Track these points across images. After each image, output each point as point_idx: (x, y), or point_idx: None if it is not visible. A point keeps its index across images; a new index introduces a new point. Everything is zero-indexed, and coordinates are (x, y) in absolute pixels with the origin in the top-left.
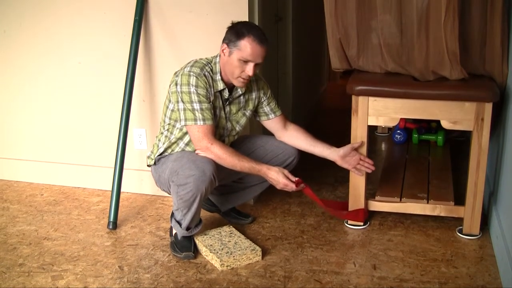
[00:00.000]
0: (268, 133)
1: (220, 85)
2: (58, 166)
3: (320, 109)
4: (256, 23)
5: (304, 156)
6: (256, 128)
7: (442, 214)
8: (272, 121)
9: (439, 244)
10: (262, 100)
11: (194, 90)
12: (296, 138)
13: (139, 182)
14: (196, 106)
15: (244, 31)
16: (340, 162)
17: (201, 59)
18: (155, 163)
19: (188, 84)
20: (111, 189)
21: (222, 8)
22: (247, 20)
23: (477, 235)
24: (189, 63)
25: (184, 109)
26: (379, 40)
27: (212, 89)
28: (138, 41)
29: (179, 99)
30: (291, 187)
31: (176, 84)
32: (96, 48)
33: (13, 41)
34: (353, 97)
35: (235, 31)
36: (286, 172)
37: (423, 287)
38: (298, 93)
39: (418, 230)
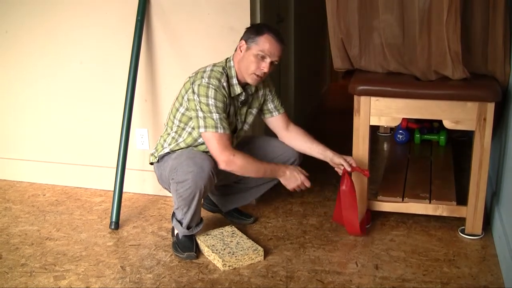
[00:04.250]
0: (270, 133)
1: (238, 90)
2: (60, 166)
3: (322, 109)
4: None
5: (306, 157)
6: (257, 129)
7: (444, 214)
8: (275, 119)
9: (441, 244)
10: (268, 97)
11: (213, 103)
12: (295, 140)
13: (141, 182)
14: (215, 116)
15: (264, 29)
16: (332, 165)
17: (215, 65)
18: (158, 161)
19: (207, 96)
20: (113, 189)
21: (224, 8)
22: (249, 20)
23: (480, 235)
24: (205, 71)
25: (204, 117)
26: (381, 40)
27: (229, 98)
28: (140, 41)
29: (198, 108)
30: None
31: (194, 93)
32: (98, 48)
33: (15, 41)
34: (355, 97)
35: (255, 29)
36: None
37: (425, 287)
38: (300, 93)
39: (420, 230)
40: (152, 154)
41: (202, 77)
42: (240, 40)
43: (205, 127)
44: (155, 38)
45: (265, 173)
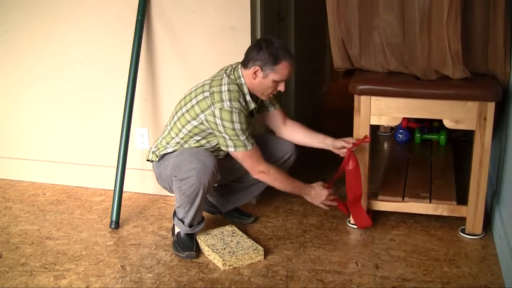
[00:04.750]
0: (269, 131)
1: (252, 105)
2: (61, 166)
3: (322, 109)
4: (258, 23)
5: (307, 155)
6: (258, 128)
7: (445, 214)
8: (271, 115)
9: (442, 243)
10: None
11: (239, 126)
12: (294, 133)
13: (142, 181)
14: (242, 137)
15: (279, 53)
16: (335, 151)
17: (230, 84)
18: (158, 160)
19: (232, 121)
20: (113, 189)
21: (224, 8)
22: (249, 20)
23: (480, 235)
24: (221, 91)
25: (231, 139)
26: (381, 39)
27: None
28: (140, 40)
29: (222, 131)
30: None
31: (215, 116)
32: (99, 48)
33: (15, 41)
34: (356, 97)
35: (270, 55)
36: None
37: (426, 287)
38: (300, 93)
39: (421, 230)
40: (153, 152)
41: (222, 100)
42: (252, 63)
43: (235, 147)
44: (155, 38)
45: (293, 190)
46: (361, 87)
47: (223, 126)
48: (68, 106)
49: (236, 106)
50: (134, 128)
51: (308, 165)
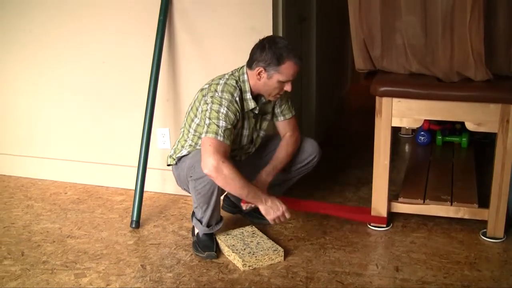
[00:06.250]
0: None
1: (252, 104)
2: (82, 165)
3: (344, 110)
4: (280, 23)
5: (327, 158)
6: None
7: (466, 217)
8: (279, 124)
9: (463, 246)
10: (277, 102)
11: (225, 111)
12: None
13: (162, 181)
14: (221, 123)
15: (283, 53)
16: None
17: (228, 79)
18: (176, 163)
19: (220, 105)
20: (134, 188)
21: (246, 8)
22: (271, 21)
23: (501, 238)
24: (218, 83)
25: (209, 124)
26: (403, 40)
27: (242, 112)
28: (162, 40)
29: (207, 116)
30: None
31: (206, 104)
32: (121, 48)
33: (38, 40)
34: (377, 98)
35: (273, 55)
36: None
37: None
38: (322, 94)
39: (441, 233)
40: (170, 156)
41: (216, 90)
42: (256, 64)
43: (206, 132)
44: (177, 38)
45: (248, 194)
46: (383, 88)
47: (211, 109)
48: (90, 105)
49: (226, 97)
50: (156, 128)
51: (334, 172)
